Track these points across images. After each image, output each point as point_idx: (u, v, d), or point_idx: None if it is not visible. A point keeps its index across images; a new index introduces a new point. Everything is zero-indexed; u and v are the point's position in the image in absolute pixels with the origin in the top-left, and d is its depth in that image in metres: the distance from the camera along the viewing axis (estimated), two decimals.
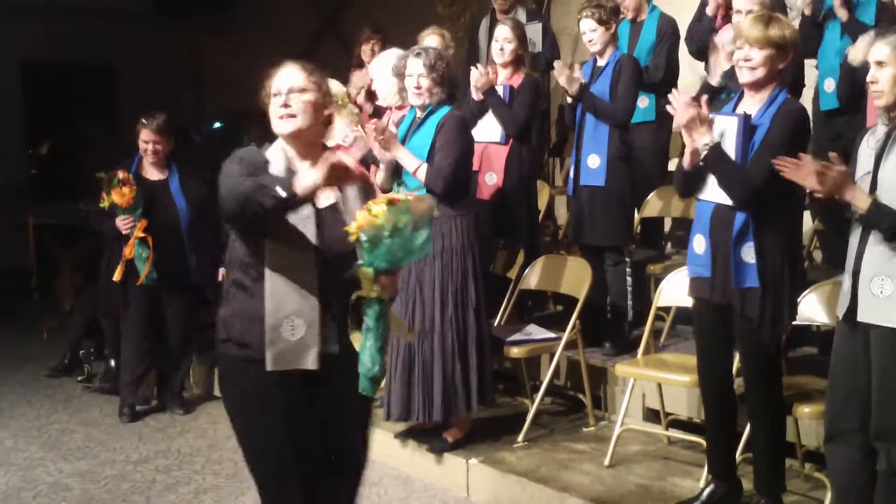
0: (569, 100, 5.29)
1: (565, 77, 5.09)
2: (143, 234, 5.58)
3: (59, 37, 10.31)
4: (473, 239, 4.55)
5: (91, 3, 10.56)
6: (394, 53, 5.01)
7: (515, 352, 4.87)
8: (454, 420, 4.72)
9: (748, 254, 3.59)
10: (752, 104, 3.67)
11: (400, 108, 5.06)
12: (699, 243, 3.73)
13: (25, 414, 5.94)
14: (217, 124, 9.44)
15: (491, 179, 5.39)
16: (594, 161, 5.20)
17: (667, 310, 5.09)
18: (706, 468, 4.03)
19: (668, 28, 6.06)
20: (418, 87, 4.52)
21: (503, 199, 5.40)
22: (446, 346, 4.50)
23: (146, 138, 5.73)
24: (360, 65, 6.54)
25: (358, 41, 6.78)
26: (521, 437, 4.78)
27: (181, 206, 5.76)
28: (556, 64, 5.19)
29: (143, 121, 5.72)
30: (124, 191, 5.54)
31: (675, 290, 4.47)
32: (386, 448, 4.95)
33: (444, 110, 4.54)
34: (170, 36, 11.16)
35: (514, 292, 5.38)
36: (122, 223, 5.59)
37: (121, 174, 5.58)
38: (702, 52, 5.25)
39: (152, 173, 5.82)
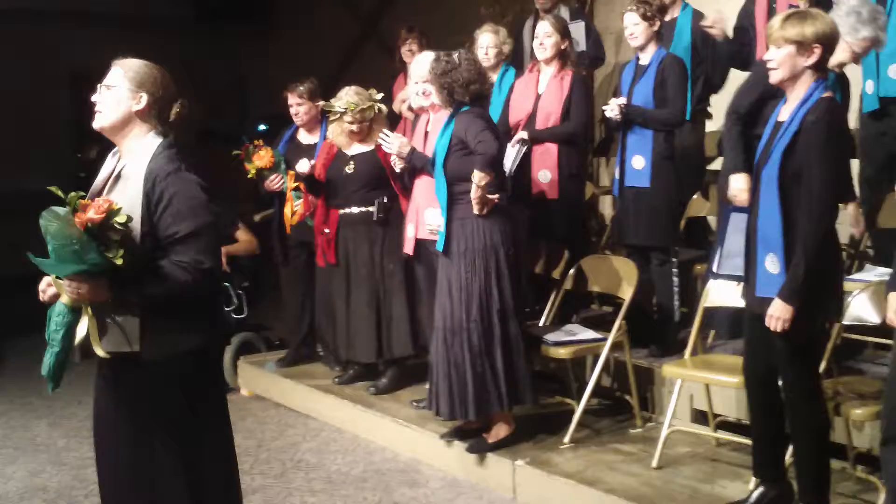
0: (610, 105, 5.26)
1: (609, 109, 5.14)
2: (296, 184, 5.75)
3: (102, 43, 10.41)
4: (498, 240, 4.55)
5: (133, 10, 10.70)
6: (428, 56, 5.02)
7: (561, 352, 4.85)
8: (496, 420, 4.72)
9: (772, 265, 3.54)
10: (790, 104, 3.59)
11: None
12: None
13: (77, 414, 6.03)
14: (262, 126, 9.52)
15: (545, 177, 5.40)
16: (639, 162, 5.18)
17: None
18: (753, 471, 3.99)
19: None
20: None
21: (553, 198, 5.42)
22: (472, 346, 4.53)
23: (291, 103, 6.02)
24: (403, 67, 6.58)
25: (398, 44, 6.88)
26: (567, 439, 4.76)
27: None
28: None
29: (289, 86, 6.00)
30: (262, 153, 5.77)
31: (722, 291, 4.42)
32: (432, 449, 4.96)
33: (463, 110, 4.61)
34: (211, 41, 11.26)
35: (559, 293, 5.36)
36: (270, 183, 5.81)
37: (254, 143, 5.81)
38: (746, 64, 5.22)
39: (305, 137, 6.11)
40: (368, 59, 9.60)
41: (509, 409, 4.67)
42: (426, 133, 5.11)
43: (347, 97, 5.47)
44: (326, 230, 5.63)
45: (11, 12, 9.71)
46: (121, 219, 2.81)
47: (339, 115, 5.49)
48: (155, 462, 3.04)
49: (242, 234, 6.62)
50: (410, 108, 5.54)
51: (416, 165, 4.95)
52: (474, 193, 4.44)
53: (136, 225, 2.89)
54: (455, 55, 4.65)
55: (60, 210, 2.77)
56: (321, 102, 5.75)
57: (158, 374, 2.98)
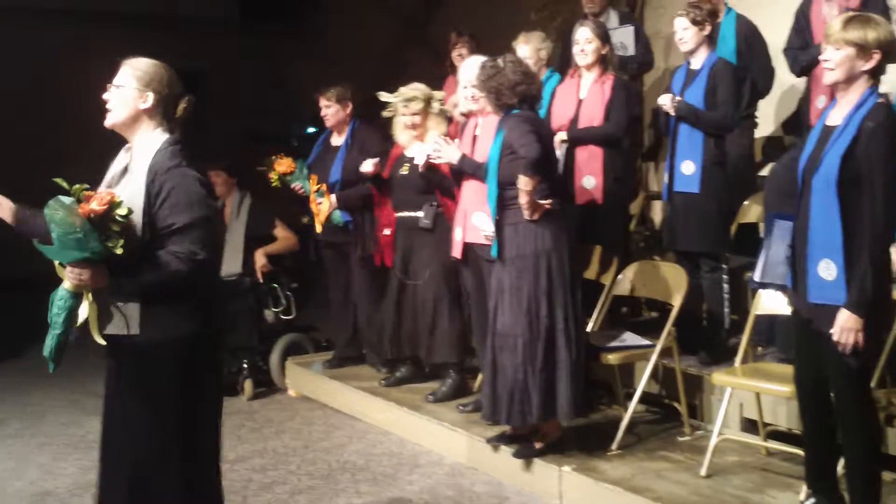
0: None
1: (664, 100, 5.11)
2: (317, 186, 5.95)
3: (148, 43, 10.50)
4: (549, 246, 4.51)
5: (180, 10, 10.79)
6: (476, 61, 5.03)
7: (610, 358, 4.82)
8: (543, 427, 4.70)
9: (826, 270, 3.47)
10: (841, 108, 3.54)
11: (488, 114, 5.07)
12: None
13: None
14: (311, 129, 9.56)
15: (589, 183, 5.37)
16: (689, 167, 5.14)
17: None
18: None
19: (749, 32, 5.90)
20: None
21: (598, 203, 5.39)
22: (517, 352, 4.50)
23: (321, 105, 6.13)
24: (453, 71, 6.60)
25: (448, 48, 6.92)
26: (614, 445, 4.73)
27: (335, 169, 6.04)
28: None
29: (320, 89, 6.12)
30: (283, 161, 6.03)
31: (773, 298, 4.37)
32: (478, 453, 4.96)
33: (512, 114, 4.60)
34: (256, 42, 11.35)
35: (608, 298, 5.33)
36: (296, 189, 6.09)
37: (275, 154, 6.10)
38: (805, 72, 5.17)
39: (335, 139, 6.24)
40: (414, 62, 9.61)
41: (540, 422, 4.60)
42: (474, 137, 5.11)
43: (404, 90, 5.51)
44: (387, 231, 5.67)
45: (11, 12, 9.82)
46: (122, 211, 2.96)
47: (392, 108, 5.58)
48: (152, 447, 3.16)
49: (281, 232, 6.68)
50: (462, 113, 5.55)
51: (466, 171, 4.94)
52: (521, 198, 4.43)
53: (138, 216, 3.03)
54: (500, 59, 4.65)
55: (66, 199, 2.90)
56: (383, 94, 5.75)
57: (157, 359, 3.12)
